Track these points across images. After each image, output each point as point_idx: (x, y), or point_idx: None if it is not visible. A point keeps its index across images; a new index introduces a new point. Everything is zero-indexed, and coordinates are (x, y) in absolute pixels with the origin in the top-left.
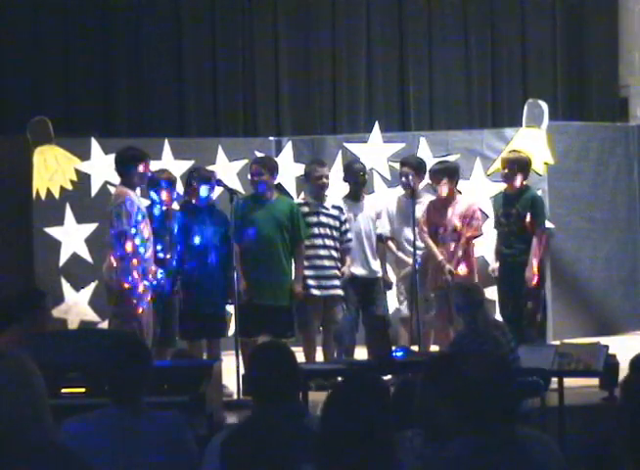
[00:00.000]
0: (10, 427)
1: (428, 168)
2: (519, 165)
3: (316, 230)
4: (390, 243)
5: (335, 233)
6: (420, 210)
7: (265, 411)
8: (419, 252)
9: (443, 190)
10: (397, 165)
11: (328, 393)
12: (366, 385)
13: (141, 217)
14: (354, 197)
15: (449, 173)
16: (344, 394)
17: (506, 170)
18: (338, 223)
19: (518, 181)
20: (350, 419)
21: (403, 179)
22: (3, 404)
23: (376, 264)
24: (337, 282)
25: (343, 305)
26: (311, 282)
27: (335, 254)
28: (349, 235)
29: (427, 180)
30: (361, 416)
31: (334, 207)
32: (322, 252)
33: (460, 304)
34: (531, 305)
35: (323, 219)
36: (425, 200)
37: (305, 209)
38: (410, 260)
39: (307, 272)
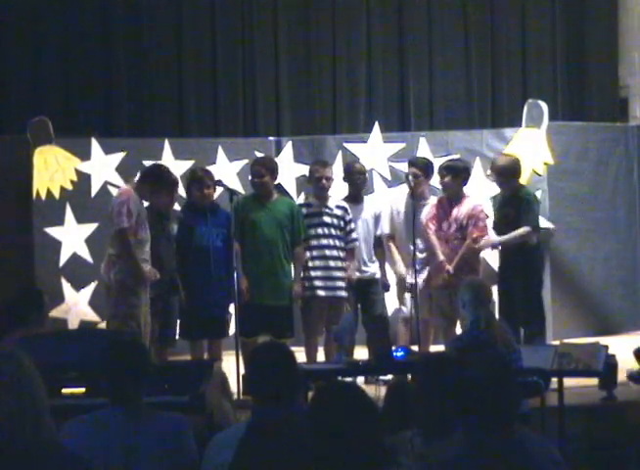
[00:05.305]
0: (9, 426)
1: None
2: (507, 173)
3: (320, 231)
4: (391, 243)
5: (339, 233)
6: (426, 210)
7: (265, 412)
8: (420, 255)
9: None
10: (397, 165)
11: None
12: (340, 396)
13: (142, 218)
14: (353, 199)
15: (453, 172)
16: (321, 408)
17: (496, 180)
18: (342, 223)
19: (510, 186)
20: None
21: (410, 178)
22: (5, 405)
23: (373, 266)
24: (342, 283)
25: (348, 306)
26: (317, 283)
27: (340, 254)
28: (354, 235)
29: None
30: (341, 427)
31: (338, 207)
32: (327, 252)
33: (466, 300)
34: (527, 304)
35: (327, 220)
36: (431, 201)
37: (309, 209)
38: (401, 266)
39: (313, 273)
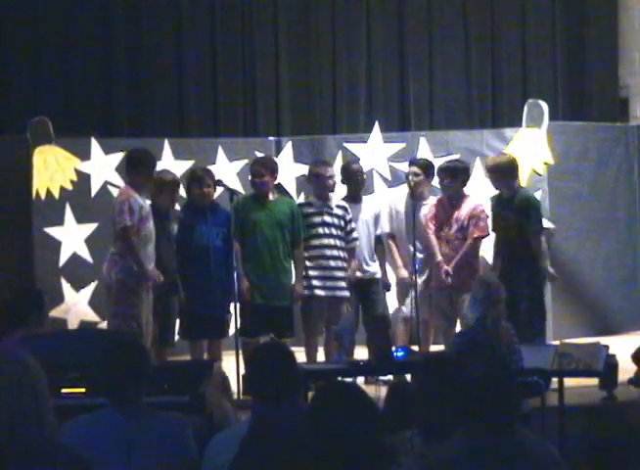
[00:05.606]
0: (10, 426)
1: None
2: (500, 171)
3: (321, 230)
4: (391, 242)
5: (340, 233)
6: (425, 210)
7: (265, 411)
8: (419, 255)
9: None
10: (397, 165)
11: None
12: (340, 396)
13: (144, 216)
14: (352, 198)
15: (452, 173)
16: (321, 408)
17: (490, 177)
18: (343, 223)
19: (507, 186)
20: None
21: (411, 177)
22: (5, 404)
23: (373, 266)
24: (342, 283)
25: (348, 306)
26: (316, 282)
27: (341, 254)
28: (355, 234)
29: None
30: (342, 429)
31: (338, 206)
32: (327, 252)
33: (478, 297)
34: (527, 305)
35: (327, 219)
36: (430, 201)
37: (309, 209)
38: (403, 272)
39: (312, 273)
